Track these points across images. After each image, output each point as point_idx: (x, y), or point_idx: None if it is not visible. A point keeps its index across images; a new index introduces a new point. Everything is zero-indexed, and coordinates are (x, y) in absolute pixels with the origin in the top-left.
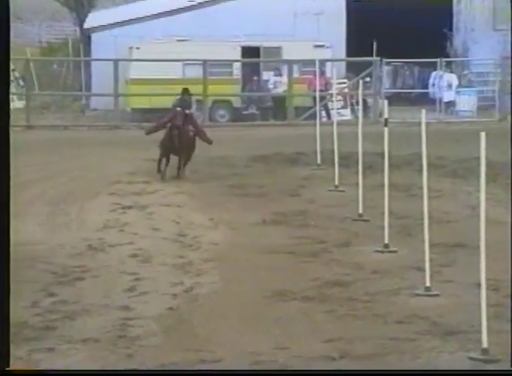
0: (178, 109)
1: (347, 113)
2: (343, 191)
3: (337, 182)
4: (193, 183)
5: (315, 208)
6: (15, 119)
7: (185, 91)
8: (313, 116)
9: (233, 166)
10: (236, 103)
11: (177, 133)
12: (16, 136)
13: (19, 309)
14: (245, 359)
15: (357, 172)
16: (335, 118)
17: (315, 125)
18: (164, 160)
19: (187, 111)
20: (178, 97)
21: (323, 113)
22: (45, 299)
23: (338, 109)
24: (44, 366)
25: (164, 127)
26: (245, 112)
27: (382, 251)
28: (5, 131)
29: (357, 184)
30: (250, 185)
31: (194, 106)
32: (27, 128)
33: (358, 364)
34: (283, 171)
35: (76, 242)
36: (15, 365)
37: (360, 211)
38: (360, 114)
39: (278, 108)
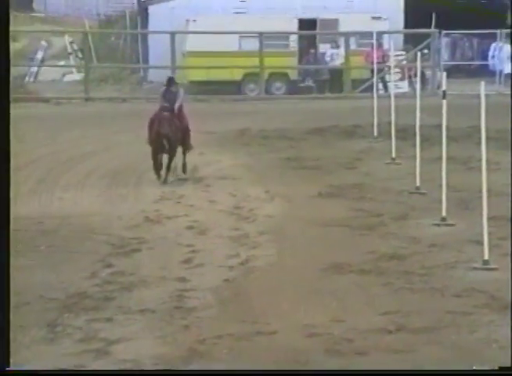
0: (165, 113)
1: (404, 86)
2: (400, 164)
3: (393, 155)
4: (250, 156)
5: (371, 181)
6: (73, 91)
7: (171, 81)
8: (370, 88)
9: (289, 139)
10: (293, 75)
11: (165, 141)
12: (74, 108)
13: (78, 280)
14: (300, 331)
15: (414, 145)
16: (392, 91)
17: (372, 98)
18: (159, 160)
19: (175, 106)
20: (163, 88)
21: (380, 85)
22: (103, 270)
23: (395, 81)
24: (103, 335)
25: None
26: (301, 84)
27: (439, 225)
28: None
29: (414, 157)
30: (306, 158)
31: (181, 96)
32: (85, 101)
33: (415, 337)
34: (339, 144)
35: (133, 214)
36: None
37: (417, 184)
38: (418, 87)
39: (334, 81)
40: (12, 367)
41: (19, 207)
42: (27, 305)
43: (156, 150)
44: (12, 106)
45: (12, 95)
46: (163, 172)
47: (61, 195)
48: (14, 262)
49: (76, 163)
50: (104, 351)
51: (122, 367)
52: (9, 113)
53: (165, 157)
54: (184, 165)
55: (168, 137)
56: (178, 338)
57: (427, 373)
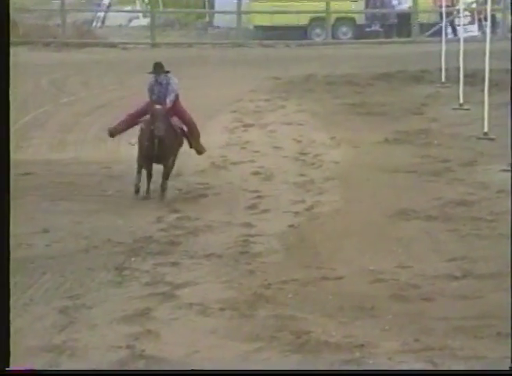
0: (158, 106)
1: (474, 30)
2: (468, 109)
3: (461, 101)
4: (315, 102)
5: (438, 127)
6: (139, 36)
7: (159, 67)
8: (439, 32)
9: (355, 84)
10: (360, 20)
11: (158, 142)
12: (140, 53)
13: (144, 225)
14: (366, 277)
15: (483, 90)
16: (461, 35)
17: (440, 42)
18: (143, 173)
19: (168, 101)
20: (151, 80)
21: (449, 29)
22: (169, 215)
23: (465, 25)
24: (169, 279)
25: (135, 124)
26: (368, 29)
27: (508, 170)
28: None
29: (482, 102)
30: (373, 103)
31: (175, 88)
32: (151, 46)
33: (482, 284)
34: (406, 90)
35: (199, 159)
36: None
37: (485, 129)
38: (488, 30)
39: (402, 25)
40: (12, 367)
41: (87, 152)
42: (95, 248)
43: (145, 157)
44: (79, 51)
45: (79, 41)
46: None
47: (128, 140)
48: (82, 206)
49: None
50: (170, 294)
51: (188, 311)
52: (8, 108)
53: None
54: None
55: (163, 140)
56: (243, 283)
57: (428, 373)
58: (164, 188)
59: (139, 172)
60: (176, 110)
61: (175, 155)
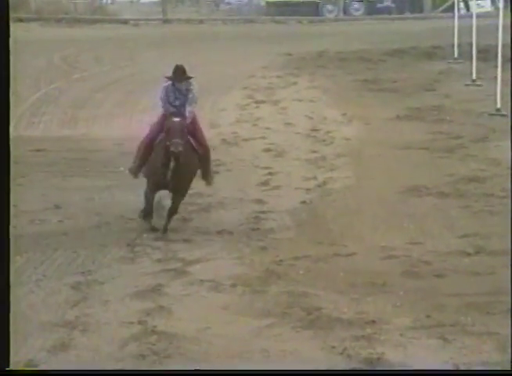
0: (175, 119)
1: (487, 5)
2: (480, 85)
3: (474, 76)
4: (327, 78)
5: (450, 103)
6: (150, 12)
7: (181, 73)
8: (451, 8)
9: (367, 60)
10: None
11: (174, 164)
12: (152, 30)
13: (156, 200)
14: (378, 253)
15: (496, 66)
16: (474, 10)
17: (453, 18)
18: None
19: (187, 112)
20: (166, 86)
21: (462, 4)
22: None
23: (478, 0)
24: (181, 256)
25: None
26: (380, 5)
27: None
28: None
29: (495, 78)
30: (385, 80)
31: (195, 96)
32: (163, 22)
33: (494, 260)
34: (419, 66)
35: (210, 136)
36: None
37: (498, 105)
38: (501, 5)
39: (414, 0)
40: (12, 367)
41: (99, 129)
42: (107, 224)
43: (157, 182)
44: (90, 27)
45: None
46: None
47: (140, 117)
48: (94, 182)
49: (154, 85)
50: (182, 271)
51: (200, 287)
52: (8, 108)
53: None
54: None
55: (181, 161)
56: (255, 259)
57: (428, 373)
58: (166, 229)
59: (150, 202)
60: (194, 127)
61: (190, 183)
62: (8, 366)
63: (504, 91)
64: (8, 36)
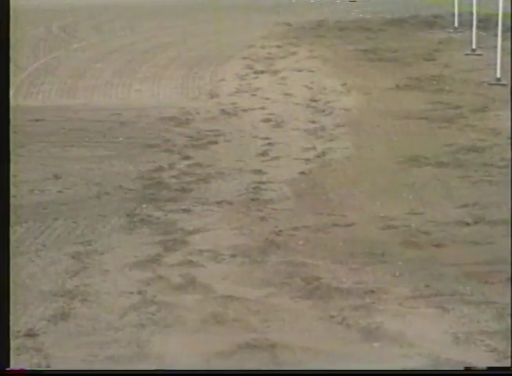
0: None
1: None
2: (480, 55)
3: (474, 46)
4: (326, 48)
5: (450, 73)
6: None
7: None
8: None
9: (367, 30)
10: None
11: None
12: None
13: (155, 172)
14: (377, 223)
15: (496, 35)
16: None
17: None
18: None
19: None
20: None
21: None
22: (180, 162)
23: None
24: (180, 226)
25: None
26: None
27: None
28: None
29: (495, 47)
30: (384, 49)
31: None
32: None
33: (493, 230)
34: (418, 35)
35: (209, 106)
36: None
37: (498, 75)
38: None
39: None
40: (12, 367)
41: (98, 98)
42: (106, 194)
43: None
44: None
45: None
46: None
47: (139, 87)
48: (93, 152)
49: (153, 54)
50: (181, 241)
51: (199, 258)
52: (8, 102)
53: None
54: None
55: None
56: (254, 230)
57: (429, 373)
58: None
59: None
60: None
61: None
62: (8, 366)
63: (504, 60)
64: (8, 7)
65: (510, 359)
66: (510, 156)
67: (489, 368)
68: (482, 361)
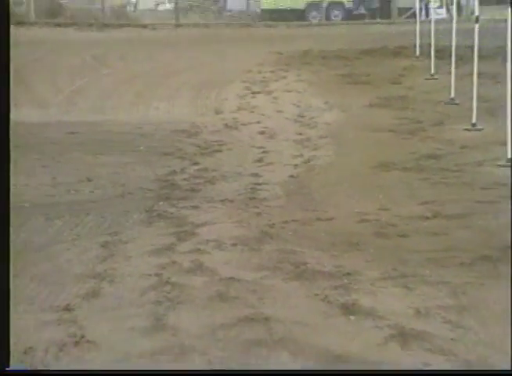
0: None
1: (443, 12)
2: (437, 79)
3: (432, 72)
4: (311, 73)
5: (413, 94)
6: (165, 18)
7: None
8: (414, 15)
9: (345, 58)
10: (348, 4)
11: None
12: (167, 33)
13: (170, 175)
14: (353, 218)
15: (450, 63)
16: (433, 17)
17: (415, 23)
18: None
19: None
20: None
21: (423, 12)
22: (190, 167)
23: (435, 8)
24: (190, 220)
25: None
26: (355, 12)
27: (470, 129)
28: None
29: (450, 73)
30: (359, 74)
31: None
32: (175, 27)
33: (448, 223)
34: (387, 62)
35: (215, 121)
36: None
37: (452, 95)
38: (454, 13)
39: (384, 8)
40: (12, 367)
41: (122, 115)
42: (129, 194)
43: None
44: (116, 31)
45: (116, 22)
46: None
47: (157, 105)
48: (118, 159)
49: (168, 79)
50: (191, 232)
51: (206, 246)
52: (8, 104)
53: None
54: None
55: None
56: (251, 223)
57: (428, 373)
58: None
59: None
60: None
61: None
62: (8, 366)
63: (457, 83)
64: (8, 37)
65: (510, 361)
66: (462, 162)
67: (489, 370)
68: (438, 330)
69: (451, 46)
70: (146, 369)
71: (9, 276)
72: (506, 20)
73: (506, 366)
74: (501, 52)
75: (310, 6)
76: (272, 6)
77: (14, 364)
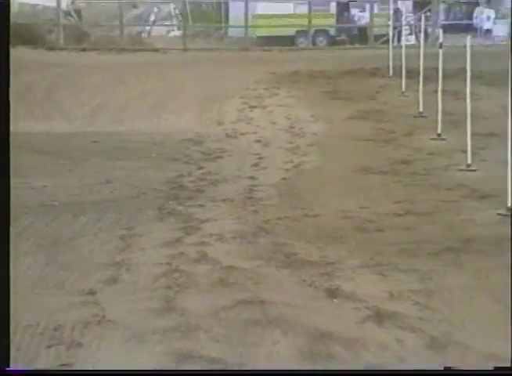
0: None
1: (412, 39)
2: (408, 96)
3: (403, 89)
4: (300, 90)
5: (387, 108)
6: (175, 43)
7: None
8: (387, 41)
9: (329, 77)
10: (332, 31)
11: None
12: (176, 56)
13: (178, 178)
14: (337, 214)
15: (418, 82)
16: (403, 42)
17: (388, 48)
18: None
19: None
20: None
21: (395, 38)
22: (196, 171)
23: (406, 35)
24: (196, 216)
25: None
26: (338, 38)
27: (435, 139)
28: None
29: (418, 90)
30: (341, 91)
31: None
32: (183, 51)
33: (418, 219)
34: (365, 81)
35: (217, 131)
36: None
37: (420, 109)
38: (422, 40)
39: (361, 35)
40: (12, 367)
41: (137, 126)
42: (144, 194)
43: None
44: (132, 54)
45: (132, 47)
46: None
47: (167, 117)
48: (134, 164)
49: (177, 95)
50: (197, 227)
51: (209, 239)
52: (8, 107)
53: None
54: None
55: None
56: (249, 219)
57: (428, 373)
58: None
59: None
60: None
61: None
62: (8, 366)
63: (424, 99)
64: (8, 41)
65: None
66: (429, 167)
67: (490, 370)
68: (409, 310)
69: (419, 68)
70: (146, 369)
71: (9, 276)
72: (465, 46)
73: (470, 343)
74: (461, 73)
75: (299, 33)
76: (267, 33)
77: (14, 364)
